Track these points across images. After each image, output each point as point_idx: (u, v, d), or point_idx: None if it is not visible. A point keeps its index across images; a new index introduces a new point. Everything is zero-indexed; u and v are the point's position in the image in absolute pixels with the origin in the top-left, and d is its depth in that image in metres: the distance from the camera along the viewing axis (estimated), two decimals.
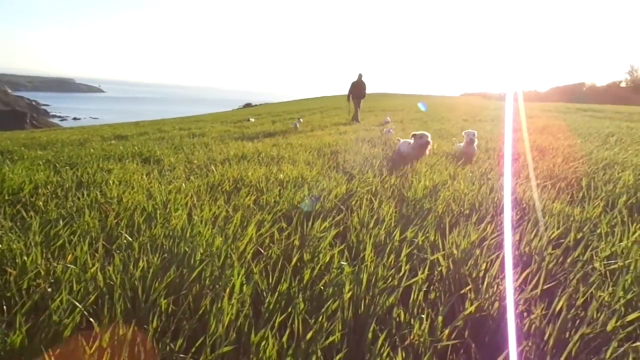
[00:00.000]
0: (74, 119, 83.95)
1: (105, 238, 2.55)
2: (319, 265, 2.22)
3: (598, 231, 2.76)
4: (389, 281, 2.07)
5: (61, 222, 2.71)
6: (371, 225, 2.82)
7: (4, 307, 1.83)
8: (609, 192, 3.75)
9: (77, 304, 1.76)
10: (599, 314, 1.82)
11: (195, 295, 1.95)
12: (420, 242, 2.55)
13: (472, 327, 1.79)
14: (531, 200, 3.45)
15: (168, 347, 1.60)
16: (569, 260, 2.34)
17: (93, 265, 2.08)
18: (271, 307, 1.84)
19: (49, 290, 1.90)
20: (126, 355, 1.53)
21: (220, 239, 2.45)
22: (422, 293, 1.95)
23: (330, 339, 1.64)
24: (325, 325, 1.70)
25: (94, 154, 6.77)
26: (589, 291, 1.99)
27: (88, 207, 3.12)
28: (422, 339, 1.66)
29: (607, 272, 2.25)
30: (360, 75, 15.95)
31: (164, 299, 1.85)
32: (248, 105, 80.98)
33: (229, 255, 2.29)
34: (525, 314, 1.85)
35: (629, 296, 1.93)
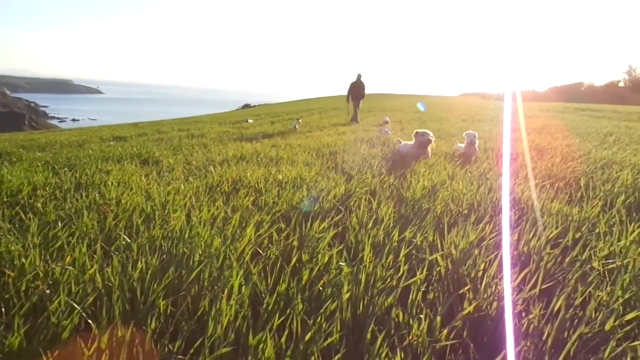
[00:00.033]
0: (73, 120, 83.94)
1: (103, 239, 2.54)
2: (317, 266, 2.22)
3: (596, 231, 2.77)
4: (387, 281, 2.07)
5: (60, 223, 2.70)
6: (370, 225, 2.82)
7: (2, 309, 1.83)
8: (607, 191, 3.75)
9: (75, 305, 1.76)
10: (597, 314, 1.82)
11: (193, 296, 1.95)
12: (418, 243, 2.55)
13: (470, 327, 1.80)
14: (530, 200, 3.45)
15: (167, 349, 1.60)
16: (567, 260, 2.34)
17: (91, 266, 2.08)
18: (270, 308, 1.84)
19: (48, 292, 1.90)
20: (125, 357, 1.53)
21: (219, 239, 2.45)
22: (420, 293, 1.95)
23: (329, 340, 1.64)
24: (323, 325, 1.70)
25: (93, 155, 6.76)
26: (588, 291, 2.00)
27: (87, 208, 3.12)
28: (420, 339, 1.67)
29: (606, 272, 2.25)
30: (359, 76, 15.94)
31: (163, 300, 1.85)
32: (247, 106, 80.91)
33: (227, 256, 2.29)
34: (523, 314, 1.86)
35: (627, 295, 1.93)
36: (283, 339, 1.62)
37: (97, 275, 1.97)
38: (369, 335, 1.67)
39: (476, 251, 2.32)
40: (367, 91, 16.28)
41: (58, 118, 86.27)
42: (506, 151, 5.61)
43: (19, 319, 1.62)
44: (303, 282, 2.08)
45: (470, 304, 1.86)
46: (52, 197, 3.60)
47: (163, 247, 2.42)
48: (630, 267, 2.19)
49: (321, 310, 1.80)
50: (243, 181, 4.23)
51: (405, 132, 10.81)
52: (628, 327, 1.75)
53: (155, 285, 1.93)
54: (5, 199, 3.49)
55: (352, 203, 3.44)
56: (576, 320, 1.78)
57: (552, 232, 2.73)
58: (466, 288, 2.00)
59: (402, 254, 2.35)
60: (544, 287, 2.04)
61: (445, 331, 1.71)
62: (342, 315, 1.80)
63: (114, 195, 3.50)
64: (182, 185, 4.01)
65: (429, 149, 6.02)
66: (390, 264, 2.28)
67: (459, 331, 1.76)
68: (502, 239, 2.53)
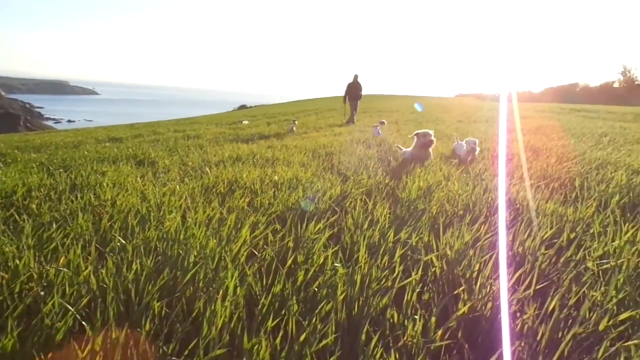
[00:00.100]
0: (68, 121, 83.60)
1: (98, 241, 2.54)
2: (313, 267, 2.22)
3: (591, 231, 2.78)
4: (382, 282, 2.07)
5: (54, 225, 2.69)
6: (365, 226, 2.83)
7: None
8: (601, 192, 3.77)
9: (69, 307, 1.75)
10: (591, 314, 1.83)
11: (188, 297, 1.94)
12: (414, 243, 2.55)
13: (465, 328, 1.80)
14: (525, 200, 3.47)
15: (161, 350, 1.60)
16: (562, 260, 2.35)
17: (86, 268, 2.07)
18: (265, 309, 1.83)
19: (42, 293, 1.89)
20: (119, 359, 1.53)
21: (214, 241, 2.45)
22: (415, 294, 1.95)
23: (324, 341, 1.64)
24: (319, 327, 1.70)
25: (88, 156, 6.74)
26: (582, 291, 2.00)
27: (81, 209, 3.11)
28: (415, 340, 1.67)
29: (600, 272, 2.26)
30: (356, 76, 15.96)
31: (157, 302, 1.84)
32: (243, 107, 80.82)
33: (222, 258, 2.28)
34: (518, 314, 1.86)
35: (621, 295, 1.94)
36: (278, 340, 1.61)
37: (92, 276, 1.97)
38: (363, 336, 1.67)
39: (471, 252, 2.33)
40: (363, 92, 16.30)
41: (53, 119, 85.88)
42: (502, 152, 5.62)
43: (12, 320, 1.61)
44: (298, 283, 2.08)
45: (464, 305, 1.86)
46: (46, 199, 3.58)
47: (158, 249, 2.42)
48: (624, 267, 2.20)
49: (316, 311, 1.80)
50: (239, 182, 4.23)
51: (401, 133, 10.83)
52: (622, 327, 1.76)
53: (150, 287, 1.92)
54: None
55: (347, 204, 3.44)
56: (570, 321, 1.78)
57: (546, 232, 2.73)
58: (461, 289, 2.00)
59: (397, 254, 2.36)
60: (538, 287, 2.04)
61: (439, 332, 1.71)
62: (337, 316, 1.80)
63: (109, 197, 3.49)
64: (177, 187, 4.00)
65: (430, 150, 5.84)
66: (386, 264, 2.28)
67: (454, 332, 1.76)
68: (497, 240, 2.54)
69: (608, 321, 1.76)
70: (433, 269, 2.25)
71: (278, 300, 1.92)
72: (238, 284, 1.97)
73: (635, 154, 6.24)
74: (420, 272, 2.14)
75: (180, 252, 2.28)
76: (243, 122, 19.23)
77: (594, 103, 40.36)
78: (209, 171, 4.89)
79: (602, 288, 2.03)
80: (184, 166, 5.60)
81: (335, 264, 2.21)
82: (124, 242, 2.46)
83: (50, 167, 5.46)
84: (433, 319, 1.75)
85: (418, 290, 2.02)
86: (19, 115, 64.61)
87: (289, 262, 2.30)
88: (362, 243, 2.45)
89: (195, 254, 2.29)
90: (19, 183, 3.95)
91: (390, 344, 1.66)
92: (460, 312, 1.81)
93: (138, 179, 4.49)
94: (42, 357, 1.51)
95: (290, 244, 2.52)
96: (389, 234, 2.63)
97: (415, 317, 1.76)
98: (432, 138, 5.75)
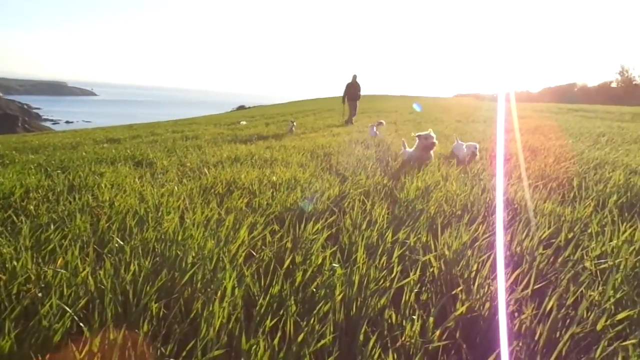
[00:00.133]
0: (67, 122, 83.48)
1: (96, 242, 2.53)
2: (311, 268, 2.22)
3: (589, 231, 2.79)
4: (380, 283, 2.07)
5: (52, 226, 2.69)
6: (364, 226, 2.83)
7: None
8: (599, 191, 3.77)
9: (67, 308, 1.75)
10: (589, 313, 1.83)
11: (186, 298, 1.94)
12: (412, 244, 2.56)
13: (463, 328, 1.80)
14: (523, 200, 3.47)
15: (159, 351, 1.60)
16: (559, 260, 2.35)
17: (84, 269, 2.07)
18: (263, 309, 1.83)
19: (39, 295, 1.89)
20: None
21: (213, 242, 2.44)
22: (413, 294, 1.95)
23: (322, 341, 1.64)
24: (317, 327, 1.70)
25: (86, 157, 6.73)
26: (580, 290, 2.01)
27: (79, 211, 3.11)
28: (413, 340, 1.67)
29: (598, 272, 2.26)
30: (354, 77, 15.98)
31: (155, 303, 1.84)
32: (242, 107, 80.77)
33: (220, 259, 2.28)
34: (516, 314, 1.86)
35: (618, 295, 1.94)
36: (276, 341, 1.61)
37: (90, 278, 1.96)
38: (362, 337, 1.67)
39: (469, 252, 2.33)
40: (362, 92, 16.30)
41: (51, 120, 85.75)
42: (500, 152, 5.62)
43: (9, 322, 1.61)
44: (296, 284, 2.08)
45: (463, 305, 1.86)
46: (44, 200, 3.58)
47: (156, 250, 2.41)
48: (622, 267, 2.21)
49: (314, 312, 1.80)
50: (237, 183, 4.23)
51: (400, 133, 10.83)
52: (619, 327, 1.76)
53: (147, 288, 1.92)
54: None
55: (346, 204, 3.44)
56: (568, 320, 1.79)
57: (544, 232, 2.74)
58: (459, 289, 2.00)
59: (395, 255, 2.36)
60: (536, 287, 2.04)
61: (437, 332, 1.71)
62: (335, 317, 1.80)
63: (107, 198, 3.49)
64: (175, 187, 4.00)
65: (432, 153, 5.74)
66: (384, 265, 2.28)
67: (452, 332, 1.76)
68: (495, 240, 2.54)
69: (606, 321, 1.77)
70: (431, 269, 2.25)
71: (276, 301, 1.92)
72: (236, 285, 1.97)
73: (633, 154, 6.26)
74: (418, 273, 2.14)
75: (179, 253, 2.28)
76: (241, 122, 19.21)
77: (591, 103, 40.44)
78: (207, 172, 4.89)
79: (600, 288, 2.03)
80: (182, 167, 5.59)
81: (334, 265, 2.21)
82: (122, 243, 2.46)
83: (48, 168, 5.45)
84: (431, 319, 1.75)
85: (416, 290, 2.02)
86: (17, 117, 64.49)
87: (287, 262, 2.30)
88: (360, 243, 2.45)
89: (194, 254, 2.29)
90: (17, 184, 3.94)
91: (389, 345, 1.66)
92: (459, 312, 1.82)
93: (136, 180, 4.49)
94: (40, 358, 1.51)
95: (289, 245, 2.52)
96: (387, 234, 2.63)
97: (414, 317, 1.76)
98: (434, 140, 5.66)
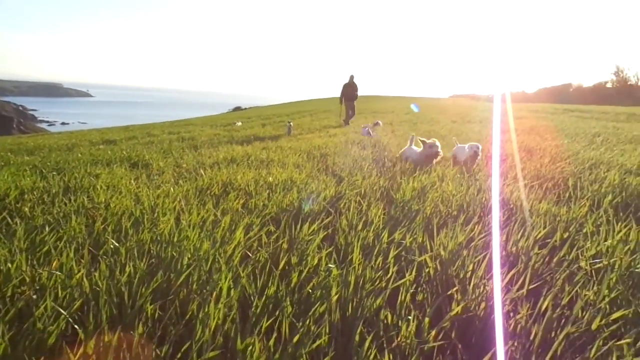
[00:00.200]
0: (62, 123, 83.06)
1: (91, 244, 2.52)
2: (307, 268, 2.22)
3: (584, 230, 2.79)
4: (376, 283, 2.07)
5: (47, 228, 2.67)
6: (359, 227, 2.83)
7: None
8: (594, 191, 3.79)
9: (61, 311, 1.74)
10: (584, 313, 1.83)
11: (182, 300, 1.94)
12: (408, 244, 2.56)
13: (458, 328, 1.80)
14: (518, 200, 3.48)
15: (154, 353, 1.59)
16: (555, 260, 2.36)
17: (79, 271, 2.06)
18: (258, 310, 1.83)
19: (34, 297, 1.88)
20: None
21: (208, 243, 2.44)
22: (409, 294, 1.95)
23: (318, 342, 1.64)
24: (312, 328, 1.70)
25: (82, 159, 6.71)
26: (575, 290, 2.01)
27: (75, 212, 3.09)
28: (409, 341, 1.67)
29: (593, 271, 2.27)
30: (352, 77, 15.98)
31: (151, 305, 1.84)
32: (238, 108, 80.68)
33: (216, 260, 2.27)
34: (511, 314, 1.87)
35: (613, 294, 1.95)
36: (271, 342, 1.61)
37: (85, 279, 1.95)
38: (357, 337, 1.67)
39: (465, 252, 2.33)
40: (358, 93, 16.30)
41: (47, 122, 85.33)
42: (496, 152, 5.63)
43: (4, 325, 1.60)
44: (292, 285, 2.08)
45: (458, 305, 1.86)
46: (39, 202, 3.56)
47: (152, 251, 2.41)
48: (616, 266, 2.21)
49: (310, 313, 1.80)
50: (233, 184, 4.22)
51: (396, 134, 10.85)
52: (614, 326, 1.76)
53: (143, 289, 1.91)
54: None
55: (342, 205, 3.44)
56: (563, 320, 1.79)
57: (540, 232, 2.75)
58: (455, 289, 2.00)
59: (391, 255, 2.36)
60: (531, 287, 2.05)
61: (433, 332, 1.71)
62: (331, 317, 1.80)
63: (103, 199, 3.48)
64: (171, 189, 3.99)
65: (434, 161, 5.49)
66: (380, 265, 2.29)
67: (447, 332, 1.77)
68: (490, 240, 2.55)
69: (600, 320, 1.77)
70: (427, 270, 2.26)
71: (272, 302, 1.92)
72: (232, 286, 1.96)
73: (628, 154, 6.29)
74: (414, 273, 2.15)
75: (174, 254, 2.27)
76: (236, 123, 19.17)
77: (587, 103, 40.58)
78: (203, 173, 4.88)
79: (595, 287, 2.04)
80: (178, 168, 5.58)
81: (329, 265, 2.21)
82: (117, 244, 2.45)
83: (44, 170, 5.42)
84: (427, 319, 1.75)
85: (412, 290, 2.02)
86: (12, 118, 64.17)
87: (283, 263, 2.30)
88: (356, 244, 2.45)
89: (189, 256, 2.28)
90: (12, 186, 3.92)
91: (384, 345, 1.66)
92: (454, 312, 1.82)
93: (132, 181, 4.48)
94: None
95: (285, 246, 2.52)
96: (383, 234, 2.63)
97: (409, 317, 1.76)
98: (439, 150, 5.46)
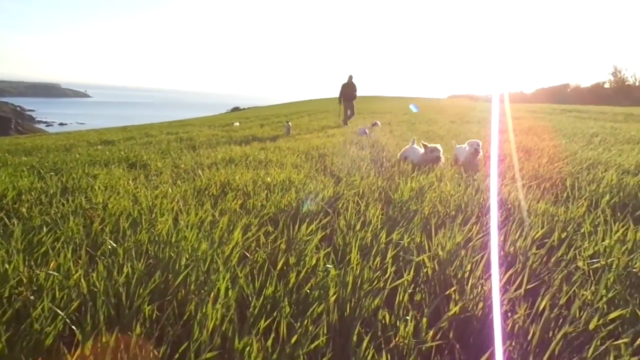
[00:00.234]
0: (60, 124, 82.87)
1: (89, 244, 2.52)
2: (305, 269, 2.22)
3: (582, 230, 2.80)
4: (374, 283, 2.07)
5: (45, 228, 2.67)
6: (358, 227, 2.83)
7: None
8: (592, 191, 3.79)
9: (59, 311, 1.73)
10: (581, 313, 1.84)
11: (180, 300, 1.94)
12: (406, 244, 2.56)
13: (456, 328, 1.80)
14: (516, 200, 3.48)
15: (152, 354, 1.59)
16: (552, 260, 2.36)
17: (76, 272, 2.05)
18: (256, 311, 1.83)
19: (31, 298, 1.88)
20: None
21: (206, 243, 2.44)
22: (407, 295, 1.96)
23: (316, 342, 1.64)
24: (310, 328, 1.70)
25: (80, 159, 6.70)
26: (572, 290, 2.02)
27: (73, 213, 3.09)
28: (406, 341, 1.67)
29: (590, 271, 2.27)
30: (350, 77, 15.99)
31: (148, 305, 1.83)
32: (236, 109, 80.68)
33: (214, 260, 2.27)
34: (509, 314, 1.87)
35: (610, 294, 1.95)
36: (269, 342, 1.61)
37: (82, 280, 1.95)
38: (355, 338, 1.67)
39: (463, 252, 2.33)
40: (357, 93, 16.30)
41: (45, 122, 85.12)
42: (494, 152, 5.63)
43: (1, 326, 1.60)
44: (290, 285, 2.08)
45: (456, 305, 1.87)
46: (37, 202, 3.55)
47: (150, 252, 2.40)
48: (614, 266, 2.22)
49: (308, 313, 1.80)
50: (231, 184, 4.22)
51: (394, 134, 10.85)
52: (612, 326, 1.77)
53: (141, 290, 1.91)
54: None
55: (340, 205, 3.44)
56: (561, 320, 1.79)
57: (538, 232, 2.75)
58: (452, 289, 2.01)
59: (389, 255, 2.36)
60: (529, 287, 2.05)
61: (431, 332, 1.71)
62: (328, 318, 1.80)
63: (101, 200, 3.47)
64: (169, 189, 3.99)
65: (435, 166, 5.35)
66: (378, 265, 2.28)
67: (445, 332, 1.77)
68: (488, 240, 2.55)
69: (598, 320, 1.77)
70: (425, 270, 2.26)
71: (270, 302, 1.92)
72: (230, 286, 1.96)
73: (625, 154, 6.29)
74: (412, 273, 2.15)
75: (172, 255, 2.27)
76: (234, 124, 19.16)
77: (585, 103, 40.63)
78: (201, 173, 4.88)
79: (593, 287, 2.04)
80: (177, 169, 5.58)
81: (328, 266, 2.21)
82: (115, 245, 2.45)
83: (41, 171, 5.41)
84: (425, 319, 1.75)
85: (410, 291, 2.02)
86: (10, 119, 63.97)
87: (281, 263, 2.30)
88: (354, 244, 2.45)
89: (187, 256, 2.28)
90: (9, 187, 3.91)
91: (382, 345, 1.66)
92: (452, 312, 1.82)
93: (130, 181, 4.47)
94: None
95: (283, 246, 2.52)
96: (381, 235, 2.64)
97: (407, 318, 1.76)
98: (440, 155, 5.45)
